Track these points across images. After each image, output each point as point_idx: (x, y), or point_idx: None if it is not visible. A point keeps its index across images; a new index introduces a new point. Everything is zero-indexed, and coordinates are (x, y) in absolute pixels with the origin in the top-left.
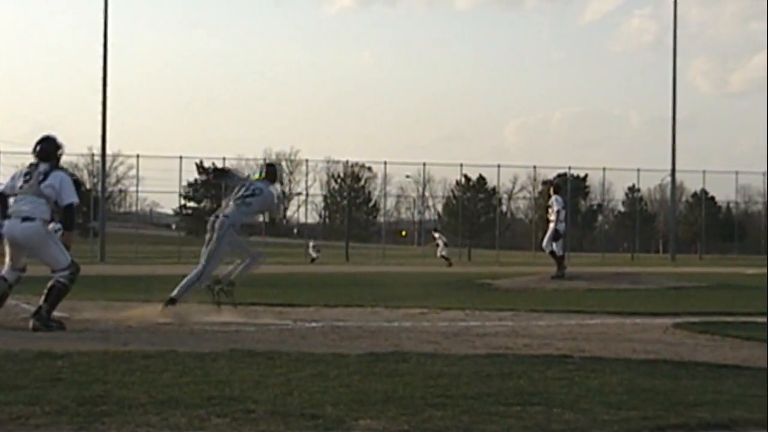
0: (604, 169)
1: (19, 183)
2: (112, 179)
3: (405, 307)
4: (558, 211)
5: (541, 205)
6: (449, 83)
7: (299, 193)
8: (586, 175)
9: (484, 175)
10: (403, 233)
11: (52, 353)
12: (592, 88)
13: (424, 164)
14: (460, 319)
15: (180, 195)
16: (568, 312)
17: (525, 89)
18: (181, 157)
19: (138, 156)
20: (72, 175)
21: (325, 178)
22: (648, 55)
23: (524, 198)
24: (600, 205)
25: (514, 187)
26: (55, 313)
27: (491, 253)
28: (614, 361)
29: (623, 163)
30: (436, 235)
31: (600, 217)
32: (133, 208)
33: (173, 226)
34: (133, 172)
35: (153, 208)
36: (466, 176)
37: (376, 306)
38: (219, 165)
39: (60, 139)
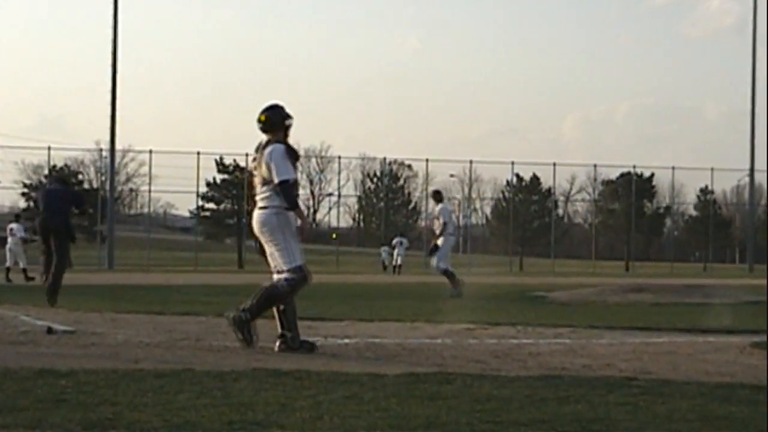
0: (673, 168)
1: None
2: (122, 177)
3: (449, 322)
4: (445, 224)
5: (602, 208)
6: (501, 72)
7: (330, 194)
8: (652, 175)
9: (539, 174)
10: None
11: (56, 371)
12: (664, 77)
13: (471, 162)
14: (510, 336)
15: (197, 195)
16: (633, 329)
17: (587, 78)
18: (198, 153)
19: (151, 151)
20: (286, 144)
21: (359, 177)
22: (729, 40)
23: (583, 200)
24: (668, 209)
25: (571, 188)
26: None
27: (546, 262)
28: (684, 384)
29: (696, 161)
30: (395, 240)
31: (668, 223)
32: (145, 210)
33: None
34: (145, 169)
35: (167, 209)
36: (518, 175)
37: (417, 321)
38: (241, 162)
39: (287, 108)
